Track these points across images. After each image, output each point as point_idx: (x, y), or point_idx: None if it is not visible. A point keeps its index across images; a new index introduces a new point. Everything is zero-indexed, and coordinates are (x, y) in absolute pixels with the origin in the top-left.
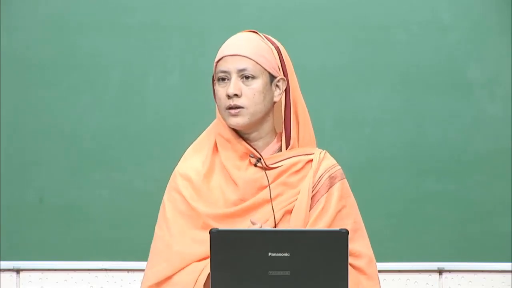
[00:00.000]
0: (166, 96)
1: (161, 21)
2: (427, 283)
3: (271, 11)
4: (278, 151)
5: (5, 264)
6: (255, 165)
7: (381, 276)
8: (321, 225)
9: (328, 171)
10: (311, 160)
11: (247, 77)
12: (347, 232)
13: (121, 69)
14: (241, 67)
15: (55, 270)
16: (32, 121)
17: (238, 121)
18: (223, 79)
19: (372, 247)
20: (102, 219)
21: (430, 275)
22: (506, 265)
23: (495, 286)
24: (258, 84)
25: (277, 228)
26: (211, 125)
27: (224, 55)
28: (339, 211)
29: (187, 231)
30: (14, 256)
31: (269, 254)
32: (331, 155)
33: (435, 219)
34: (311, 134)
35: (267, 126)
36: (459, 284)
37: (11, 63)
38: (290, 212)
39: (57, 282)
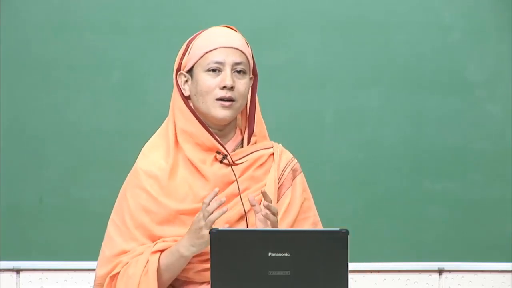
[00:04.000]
0: (166, 96)
1: (161, 21)
2: (427, 283)
3: (271, 11)
4: (240, 146)
5: (5, 264)
6: (221, 162)
7: (381, 276)
8: (290, 218)
9: (290, 164)
10: (272, 154)
11: (239, 71)
12: (347, 232)
13: (121, 69)
14: (238, 60)
15: (55, 270)
16: (32, 121)
17: (228, 113)
18: (214, 70)
19: (372, 247)
20: (102, 219)
21: (430, 275)
22: (506, 265)
23: (495, 286)
24: (247, 79)
25: (277, 228)
26: (164, 123)
27: (219, 46)
28: (303, 203)
29: (150, 228)
30: (14, 256)
31: (269, 254)
32: (330, 155)
33: (435, 219)
34: (265, 129)
35: (234, 123)
36: (459, 284)
37: (11, 63)
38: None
39: (57, 282)
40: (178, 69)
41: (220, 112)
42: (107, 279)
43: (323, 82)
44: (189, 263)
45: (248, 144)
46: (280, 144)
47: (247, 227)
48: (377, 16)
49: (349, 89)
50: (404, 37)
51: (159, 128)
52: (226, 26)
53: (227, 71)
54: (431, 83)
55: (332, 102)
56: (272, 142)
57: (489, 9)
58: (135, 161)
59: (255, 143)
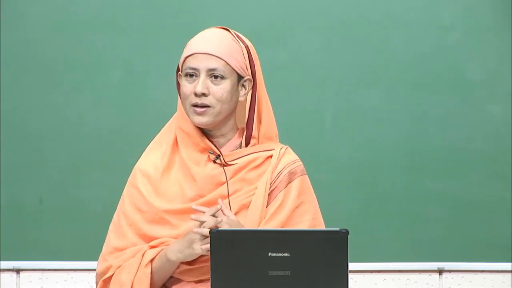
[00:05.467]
0: (167, 95)
1: (161, 21)
2: (427, 283)
3: (271, 11)
4: (238, 147)
5: (5, 264)
6: (214, 162)
7: (381, 276)
8: (278, 221)
9: (288, 166)
10: (271, 156)
11: (216, 77)
12: (347, 232)
13: (121, 69)
14: (212, 66)
15: (55, 270)
16: (32, 120)
17: (202, 119)
18: (191, 75)
19: (372, 247)
20: (102, 219)
21: (430, 275)
22: (506, 265)
23: (495, 286)
24: (226, 84)
25: (277, 228)
26: (171, 118)
27: (194, 52)
28: (298, 207)
29: (141, 227)
30: (14, 256)
31: (269, 254)
32: (330, 155)
33: (435, 219)
34: (274, 130)
35: (229, 124)
36: (459, 284)
37: (11, 63)
38: (246, 206)
39: (57, 282)
40: (178, 69)
41: (195, 118)
42: (101, 282)
43: (323, 82)
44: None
45: (246, 146)
46: (286, 147)
47: None
48: (377, 16)
49: (349, 89)
50: (404, 37)
51: (165, 125)
52: (221, 28)
53: (201, 77)
54: (431, 83)
55: (332, 102)
56: (277, 144)
57: (489, 9)
58: (135, 161)
59: (255, 145)
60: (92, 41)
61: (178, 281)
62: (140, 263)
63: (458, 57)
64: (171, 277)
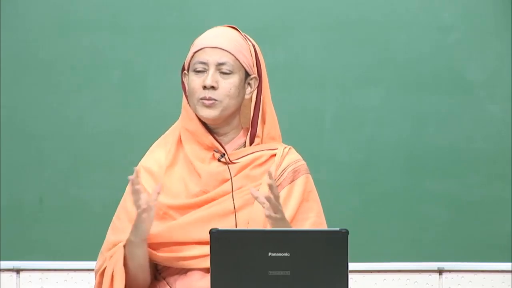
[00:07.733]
0: (166, 95)
1: (161, 21)
2: (427, 283)
3: (272, 11)
4: (242, 146)
5: (5, 264)
6: (219, 160)
7: (381, 276)
8: (286, 216)
9: (292, 165)
10: (275, 155)
11: (224, 71)
12: (347, 232)
13: (121, 69)
14: (221, 60)
15: (55, 270)
16: (32, 120)
17: (210, 113)
18: (200, 71)
19: (372, 247)
20: (102, 219)
21: (430, 275)
22: (506, 265)
23: (495, 286)
24: (235, 79)
25: (277, 228)
26: (178, 120)
27: (204, 46)
28: (302, 203)
29: None
30: (14, 256)
31: (269, 254)
32: (330, 155)
33: (435, 219)
34: (277, 131)
35: (234, 122)
36: (459, 284)
37: (11, 63)
38: (251, 203)
39: (57, 282)
40: (184, 68)
41: (203, 111)
42: (98, 277)
43: (323, 81)
44: (157, 250)
45: (250, 145)
46: (290, 147)
47: (236, 226)
48: (377, 16)
49: (349, 89)
50: (404, 37)
51: (173, 125)
52: (229, 26)
53: (210, 71)
54: (431, 83)
55: (332, 102)
56: (281, 144)
57: (489, 9)
58: (135, 160)
59: (260, 144)
60: (92, 41)
61: (185, 270)
62: (118, 253)
63: (458, 57)
64: (182, 269)
